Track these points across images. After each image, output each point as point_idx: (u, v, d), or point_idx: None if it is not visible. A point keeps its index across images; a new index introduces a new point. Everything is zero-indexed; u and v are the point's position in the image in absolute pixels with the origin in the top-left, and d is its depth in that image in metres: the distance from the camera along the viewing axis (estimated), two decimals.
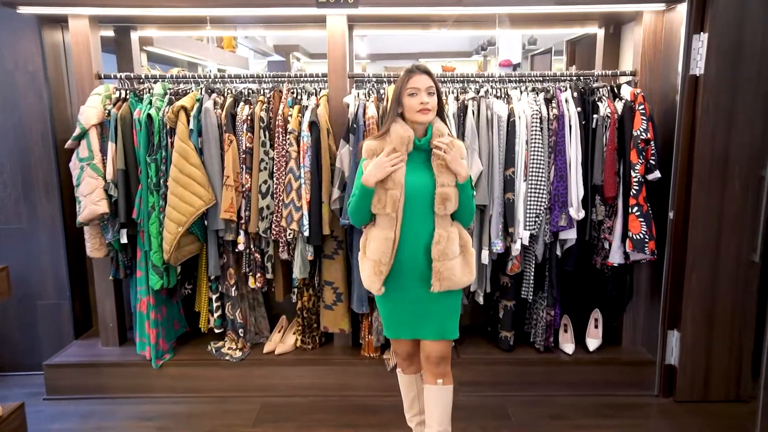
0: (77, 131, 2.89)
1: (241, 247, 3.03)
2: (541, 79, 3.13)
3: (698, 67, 2.77)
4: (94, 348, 3.30)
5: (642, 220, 2.79)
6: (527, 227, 2.91)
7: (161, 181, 2.92)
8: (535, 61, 6.05)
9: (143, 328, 3.10)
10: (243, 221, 2.99)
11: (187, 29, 3.62)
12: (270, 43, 9.42)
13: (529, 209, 2.91)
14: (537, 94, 3.06)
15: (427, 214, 2.14)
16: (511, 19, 3.29)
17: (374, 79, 3.10)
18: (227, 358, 3.16)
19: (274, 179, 2.95)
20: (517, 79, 3.14)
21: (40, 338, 3.41)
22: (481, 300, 3.11)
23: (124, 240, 2.97)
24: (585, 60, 4.41)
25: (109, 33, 3.49)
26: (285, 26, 3.59)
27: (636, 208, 2.80)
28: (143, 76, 3.11)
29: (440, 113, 2.20)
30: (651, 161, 2.81)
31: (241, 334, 3.23)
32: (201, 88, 3.04)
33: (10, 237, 3.28)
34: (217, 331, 3.22)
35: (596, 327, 3.29)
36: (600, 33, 3.60)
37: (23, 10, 2.92)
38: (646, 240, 2.79)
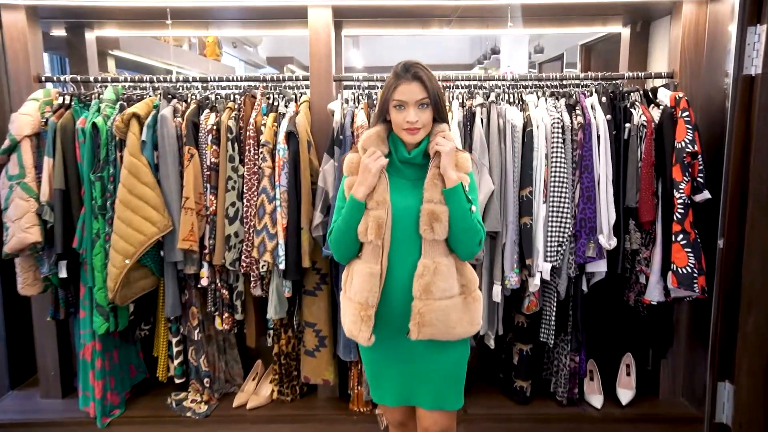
0: (6, 143, 2.41)
1: (204, 282, 2.53)
2: (558, 82, 2.67)
3: (754, 66, 2.28)
4: (32, 401, 2.78)
5: (689, 250, 2.30)
6: (548, 258, 2.42)
7: (108, 204, 2.42)
8: (544, 69, 5.60)
9: (87, 380, 2.58)
10: (207, 251, 2.50)
11: (151, 28, 3.15)
12: (263, 54, 9.01)
13: (551, 237, 2.42)
14: (557, 99, 2.58)
15: (417, 241, 1.69)
16: (525, 13, 2.82)
17: (365, 83, 2.62)
18: (189, 413, 2.64)
19: (244, 201, 2.46)
20: (533, 82, 2.67)
21: None
22: (491, 343, 2.61)
23: (63, 274, 2.47)
24: (602, 67, 3.97)
25: (62, 33, 3.04)
26: (263, 24, 3.13)
27: (681, 236, 2.31)
28: (92, 79, 2.63)
29: (440, 119, 1.74)
30: (699, 179, 2.32)
31: (207, 384, 2.72)
32: (159, 93, 2.56)
33: None
34: (177, 381, 2.71)
35: (628, 375, 2.78)
36: (625, 32, 3.16)
37: None
38: (695, 275, 2.29)
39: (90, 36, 3.07)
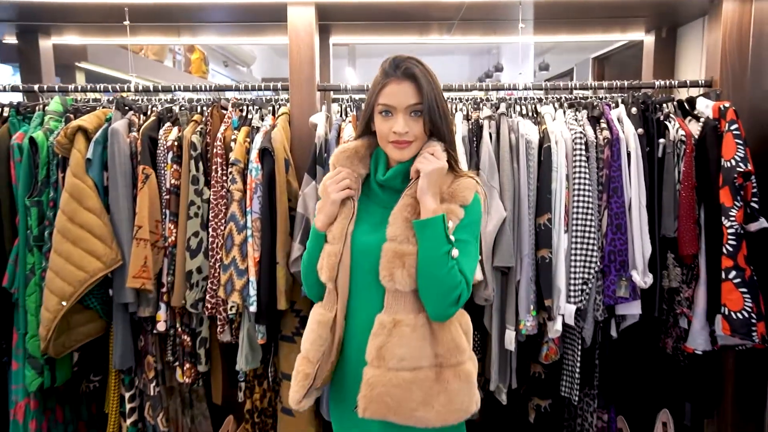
0: None
1: (161, 326, 2.12)
2: (580, 92, 2.31)
3: None
4: None
5: (744, 290, 1.90)
6: (572, 299, 2.02)
7: (45, 234, 2.04)
8: (549, 92, 5.27)
9: None
10: (164, 290, 2.10)
11: (115, 35, 2.80)
12: (257, 74, 8.70)
13: (574, 273, 2.03)
14: (577, 110, 2.22)
15: (381, 289, 1.30)
16: (537, 15, 2.47)
17: (352, 93, 2.26)
18: None
19: (209, 230, 2.07)
20: (550, 89, 2.31)
21: None
22: (504, 399, 2.19)
23: None
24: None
25: (11, 39, 2.69)
26: (240, 30, 2.78)
27: (734, 273, 1.91)
28: (36, 88, 2.26)
29: (439, 137, 1.33)
30: (753, 204, 1.94)
31: None
32: (113, 103, 2.19)
33: None
34: None
35: None
36: (647, 40, 2.81)
37: None
38: (753, 320, 1.89)
39: (45, 43, 2.71)
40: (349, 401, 1.32)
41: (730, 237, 1.92)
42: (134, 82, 2.36)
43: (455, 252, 1.24)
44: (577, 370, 2.16)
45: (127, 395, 2.26)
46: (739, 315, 1.90)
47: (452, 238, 1.24)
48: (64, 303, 1.92)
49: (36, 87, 2.26)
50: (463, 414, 1.30)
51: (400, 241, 1.26)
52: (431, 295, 1.25)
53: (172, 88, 2.27)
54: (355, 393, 1.28)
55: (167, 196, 2.10)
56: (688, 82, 2.25)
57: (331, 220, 1.34)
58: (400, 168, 1.33)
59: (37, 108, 2.21)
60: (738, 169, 1.91)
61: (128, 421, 2.26)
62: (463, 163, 1.89)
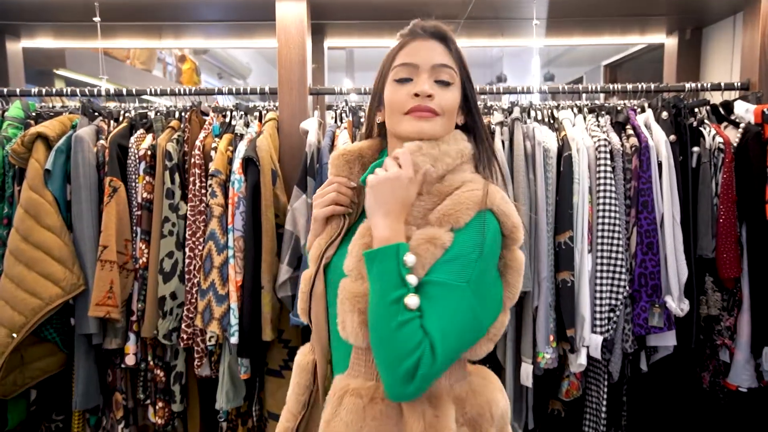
0: None
1: (130, 360, 1.86)
2: (602, 95, 2.08)
3: None
4: None
5: None
6: (598, 328, 1.78)
7: None
8: (557, 98, 5.06)
9: None
10: (134, 318, 1.85)
11: (91, 38, 2.57)
12: (254, 86, 8.53)
13: (601, 298, 1.78)
14: (599, 116, 1.99)
15: None
16: (551, 15, 2.26)
17: (349, 99, 2.04)
18: None
19: (186, 250, 1.83)
20: (569, 92, 2.09)
21: None
22: None
23: None
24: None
25: None
26: (231, 33, 2.56)
27: None
28: None
29: (473, 129, 1.01)
30: None
31: None
32: (79, 108, 1.96)
33: None
34: None
35: None
36: (669, 42, 2.61)
37: None
38: None
39: (14, 46, 2.50)
40: None
41: None
42: (104, 85, 2.12)
43: (412, 300, 0.84)
44: (603, 408, 1.90)
45: None
46: None
47: (411, 279, 0.86)
48: (14, 335, 1.66)
49: None
50: None
51: (354, 277, 0.92)
52: (378, 360, 0.87)
53: (148, 92, 2.04)
54: None
55: (138, 212, 1.85)
56: (722, 84, 2.02)
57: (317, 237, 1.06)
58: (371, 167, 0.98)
59: None
60: None
61: None
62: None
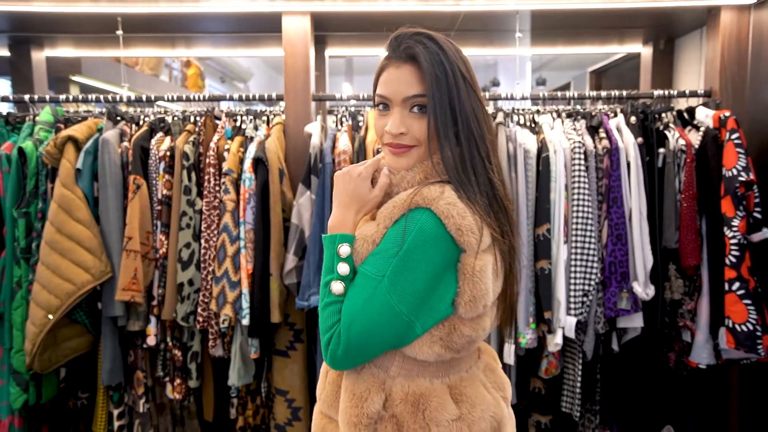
0: None
1: (151, 341, 2.06)
2: (578, 101, 2.29)
3: None
4: None
5: (749, 302, 1.85)
6: (572, 311, 1.98)
7: (33, 246, 1.99)
8: (548, 102, 5.28)
9: None
10: (155, 303, 2.05)
11: (109, 47, 2.77)
12: (254, 90, 8.73)
13: (574, 284, 1.98)
14: (576, 120, 2.19)
15: None
16: (534, 26, 2.46)
17: (348, 104, 2.24)
18: None
19: (202, 241, 2.03)
20: (548, 99, 2.29)
21: None
22: None
23: None
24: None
25: (3, 51, 2.66)
26: (235, 42, 2.76)
27: (737, 285, 1.87)
28: (27, 98, 2.23)
29: (450, 141, 0.99)
30: (755, 214, 1.90)
31: None
32: (104, 114, 2.16)
33: None
34: None
35: None
36: (645, 52, 2.81)
37: None
38: (758, 332, 1.84)
39: (38, 55, 2.69)
40: None
41: (732, 248, 1.88)
42: (126, 92, 2.32)
43: (336, 286, 0.96)
44: (578, 385, 2.10)
45: (115, 413, 2.19)
46: (743, 327, 1.85)
47: (342, 267, 0.97)
48: (50, 316, 1.86)
49: (27, 97, 2.22)
50: None
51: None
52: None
53: (165, 98, 2.24)
54: None
55: (159, 207, 2.06)
56: (687, 92, 2.22)
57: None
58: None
59: (27, 118, 2.18)
60: (740, 178, 1.88)
61: None
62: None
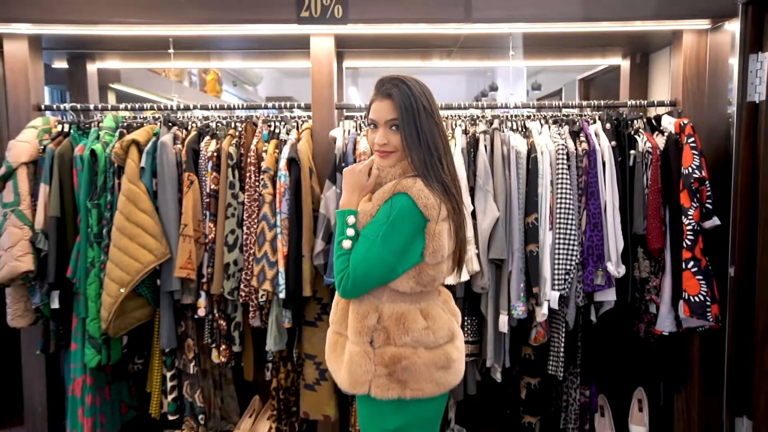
0: (2, 170, 2.37)
1: (201, 312, 2.44)
2: (559, 111, 2.67)
3: (758, 93, 2.29)
4: None
5: (700, 277, 2.24)
6: (556, 286, 2.36)
7: (104, 232, 2.37)
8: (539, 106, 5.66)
9: (75, 417, 2.47)
10: (204, 280, 2.42)
11: (152, 59, 3.16)
12: (262, 93, 9.13)
13: (558, 264, 2.36)
14: (560, 126, 2.57)
15: None
16: (525, 43, 2.84)
17: (364, 112, 2.61)
18: None
19: (244, 228, 2.41)
20: (535, 111, 2.67)
21: None
22: (498, 377, 2.51)
23: (55, 305, 2.39)
24: (601, 99, 3.99)
25: (62, 64, 3.04)
26: (264, 56, 3.14)
27: (692, 263, 2.25)
28: (92, 107, 2.61)
29: (415, 148, 1.48)
30: (707, 205, 2.28)
31: (202, 421, 2.60)
32: (159, 120, 2.54)
33: None
34: (171, 417, 2.59)
35: (641, 410, 2.67)
36: (624, 65, 3.18)
37: None
38: (708, 303, 2.23)
39: (91, 68, 3.07)
40: None
41: (688, 233, 2.26)
42: (176, 102, 2.70)
43: (345, 243, 1.47)
44: (562, 351, 2.48)
45: (168, 375, 2.57)
46: (696, 298, 2.23)
47: (350, 231, 1.48)
48: (122, 290, 2.24)
49: (92, 106, 2.61)
50: (346, 385, 1.51)
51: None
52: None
53: (209, 107, 2.63)
54: None
55: (207, 199, 2.43)
56: (655, 102, 2.61)
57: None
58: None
59: (92, 124, 2.56)
60: (694, 175, 2.26)
61: (169, 398, 2.57)
62: (461, 169, 2.23)
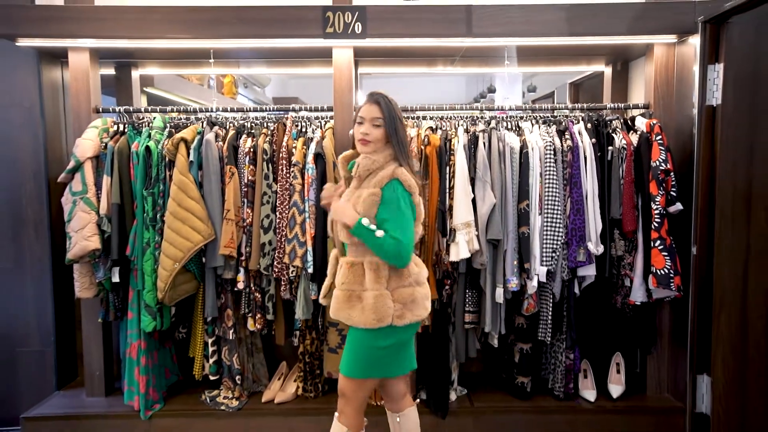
0: (71, 164, 2.76)
1: (240, 285, 2.85)
2: (549, 113, 3.07)
3: (715, 98, 2.69)
4: (78, 399, 3.04)
5: (666, 254, 2.65)
6: (544, 263, 2.76)
7: (158, 216, 2.77)
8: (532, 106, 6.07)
9: (132, 376, 2.87)
10: (243, 258, 2.83)
11: (189, 66, 3.56)
12: (269, 94, 9.54)
13: (546, 244, 2.77)
14: (549, 126, 2.97)
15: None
16: (519, 54, 3.25)
17: None
18: (223, 407, 2.92)
19: (277, 213, 2.81)
20: (528, 113, 3.07)
21: (18, 390, 3.15)
22: (495, 342, 2.91)
23: (115, 279, 2.79)
24: (588, 101, 4.37)
25: (110, 71, 3.43)
26: (289, 63, 3.54)
27: (659, 242, 2.66)
28: (143, 109, 3.01)
29: (395, 145, 2.10)
30: (672, 193, 2.69)
31: (239, 382, 3.00)
32: (202, 121, 2.94)
33: None
34: (212, 378, 2.99)
35: (618, 372, 3.08)
36: (607, 71, 3.58)
37: (23, 42, 2.85)
38: (671, 275, 2.64)
39: (135, 74, 3.46)
40: None
41: (656, 216, 2.67)
42: (215, 105, 3.09)
43: (378, 233, 1.98)
44: (550, 319, 2.89)
45: (209, 341, 2.97)
46: (662, 271, 2.64)
47: (372, 226, 1.99)
48: (176, 265, 2.64)
49: (142, 108, 3.01)
50: (356, 318, 2.05)
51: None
52: (386, 258, 2.01)
53: (245, 109, 3.03)
54: None
55: (245, 189, 2.83)
56: (631, 104, 3.02)
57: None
58: (352, 164, 2.14)
59: (144, 124, 2.96)
60: (661, 167, 2.67)
61: (210, 361, 2.97)
62: (462, 164, 2.66)
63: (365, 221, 1.99)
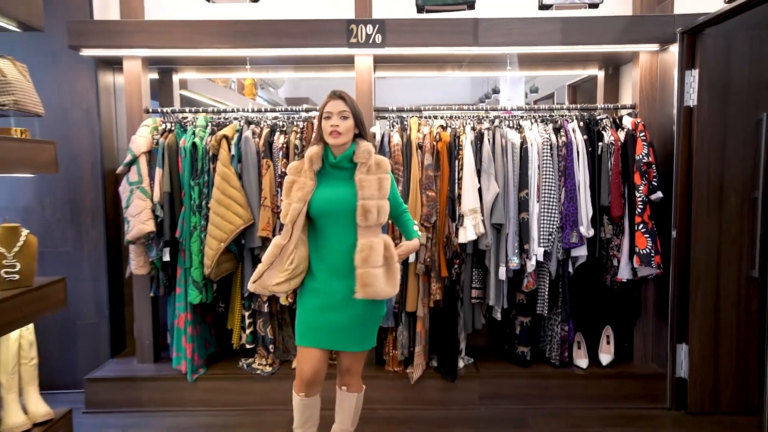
0: (128, 158, 3.17)
1: None
2: (547, 113, 3.45)
3: (692, 99, 3.07)
4: (130, 365, 3.46)
5: (647, 236, 3.03)
6: (541, 244, 3.15)
7: (203, 203, 3.17)
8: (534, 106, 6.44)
9: (180, 343, 3.27)
10: None
11: (221, 71, 3.96)
12: (282, 95, 9.98)
13: (543, 227, 3.15)
14: (546, 124, 3.35)
15: (350, 225, 2.26)
16: (520, 60, 3.63)
17: (397, 113, 3.41)
18: (258, 372, 3.32)
19: None
20: (527, 113, 3.45)
21: (77, 357, 3.57)
22: (498, 316, 3.30)
23: (167, 258, 3.19)
24: (585, 102, 4.74)
25: (154, 75, 3.84)
26: (313, 68, 3.93)
27: (641, 226, 3.04)
28: (188, 110, 3.42)
29: (362, 136, 2.32)
30: (653, 183, 3.07)
31: (271, 350, 3.40)
32: (240, 120, 3.34)
33: (57, 259, 3.50)
34: (248, 346, 3.39)
35: (608, 343, 3.46)
36: (600, 74, 3.96)
37: (86, 52, 3.26)
38: (653, 254, 3.02)
39: (175, 78, 3.87)
40: (336, 292, 2.27)
41: (639, 203, 3.05)
42: (251, 106, 3.49)
43: (416, 226, 2.44)
44: (547, 295, 3.27)
45: (246, 314, 3.37)
46: (644, 251, 3.02)
47: (416, 227, 2.43)
48: (221, 245, 3.04)
49: (187, 109, 3.41)
50: (395, 288, 2.28)
51: (368, 198, 2.22)
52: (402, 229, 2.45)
53: (276, 109, 3.43)
54: (337, 287, 2.26)
55: (279, 180, 3.23)
56: (620, 105, 3.40)
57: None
58: (345, 154, 2.26)
59: (189, 123, 3.36)
60: (644, 160, 3.05)
61: (247, 332, 3.37)
62: (469, 159, 3.04)
63: (415, 228, 2.42)
